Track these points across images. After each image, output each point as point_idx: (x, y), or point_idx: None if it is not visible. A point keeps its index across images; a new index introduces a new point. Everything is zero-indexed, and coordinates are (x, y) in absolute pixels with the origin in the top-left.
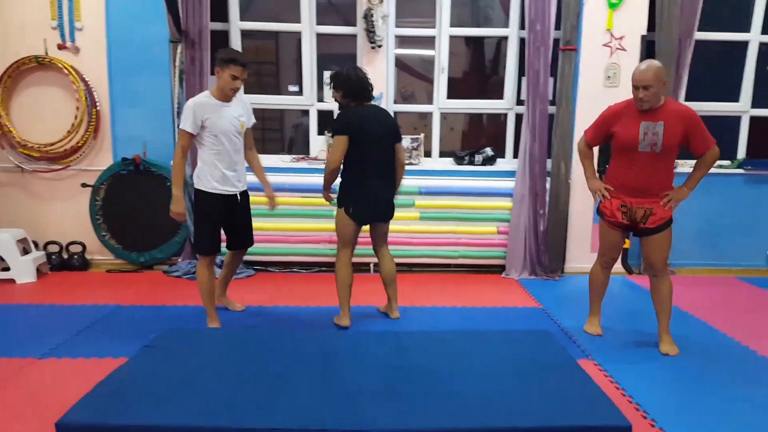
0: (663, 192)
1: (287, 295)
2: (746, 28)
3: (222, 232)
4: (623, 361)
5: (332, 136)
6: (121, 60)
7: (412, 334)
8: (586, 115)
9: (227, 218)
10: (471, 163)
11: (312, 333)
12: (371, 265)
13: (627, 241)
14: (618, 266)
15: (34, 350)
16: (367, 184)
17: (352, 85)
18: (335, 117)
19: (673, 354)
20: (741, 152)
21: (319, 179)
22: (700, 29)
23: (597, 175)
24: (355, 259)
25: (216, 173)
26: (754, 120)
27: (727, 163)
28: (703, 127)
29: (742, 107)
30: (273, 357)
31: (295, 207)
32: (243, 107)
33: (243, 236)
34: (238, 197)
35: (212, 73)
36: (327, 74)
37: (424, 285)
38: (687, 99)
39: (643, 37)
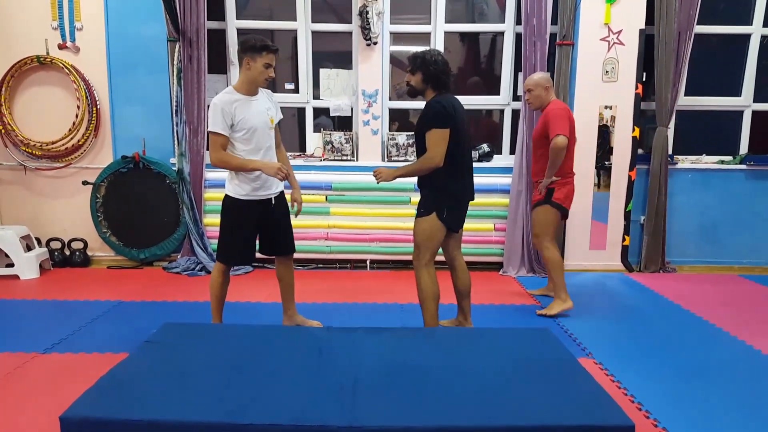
0: (539, 179)
1: None
2: (747, 21)
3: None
4: (624, 359)
5: (428, 130)
6: (120, 59)
7: (410, 330)
8: (584, 109)
9: (262, 225)
10: None
11: (309, 329)
12: (368, 262)
13: (627, 238)
14: (618, 263)
15: (38, 345)
16: (461, 184)
17: (438, 69)
18: (428, 107)
19: (552, 313)
20: (743, 147)
21: (315, 176)
22: (699, 22)
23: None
24: (352, 256)
25: (249, 176)
26: (756, 115)
27: (729, 158)
28: (552, 119)
29: (744, 102)
30: (270, 352)
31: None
32: (270, 100)
33: (281, 242)
34: (273, 201)
35: (209, 71)
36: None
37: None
38: (687, 94)
39: (641, 30)
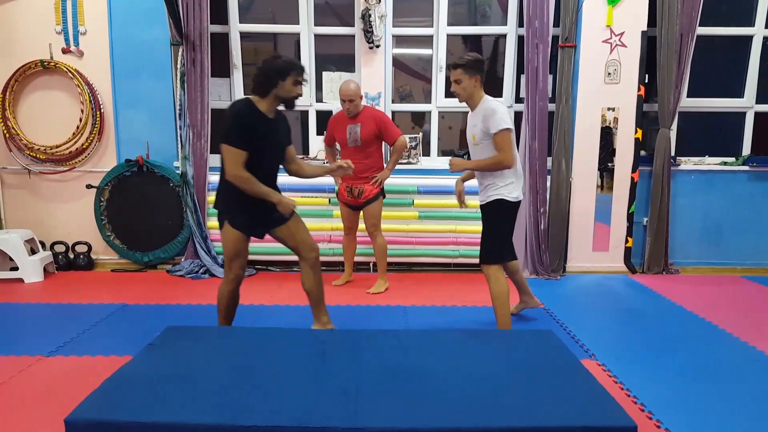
0: (371, 174)
1: (288, 294)
2: (750, 23)
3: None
4: (627, 360)
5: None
6: (123, 63)
7: (412, 332)
8: (586, 111)
9: None
10: None
11: (312, 331)
12: (370, 265)
13: (630, 239)
14: (621, 265)
15: (42, 348)
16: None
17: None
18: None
19: (380, 291)
20: (746, 149)
21: (318, 179)
22: (702, 24)
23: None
24: (355, 258)
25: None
26: (758, 116)
27: (731, 159)
28: (389, 124)
29: (747, 103)
30: (273, 355)
31: None
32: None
33: None
34: None
35: (212, 75)
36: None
37: (424, 284)
38: (690, 95)
39: (643, 32)
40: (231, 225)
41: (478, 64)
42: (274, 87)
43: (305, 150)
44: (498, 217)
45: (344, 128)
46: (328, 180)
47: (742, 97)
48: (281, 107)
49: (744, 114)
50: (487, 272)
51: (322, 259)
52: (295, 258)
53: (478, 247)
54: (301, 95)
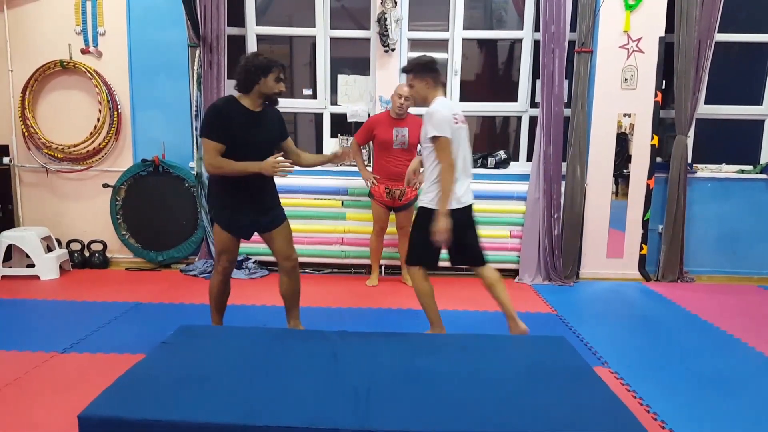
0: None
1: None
2: None
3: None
4: (640, 368)
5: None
6: (141, 64)
7: (425, 336)
8: (602, 117)
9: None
10: (484, 166)
11: (324, 332)
12: (382, 268)
13: (644, 247)
14: (635, 272)
15: (57, 345)
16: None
17: (244, 69)
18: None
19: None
20: (764, 157)
21: (331, 181)
22: (720, 30)
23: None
24: (367, 261)
25: None
26: None
27: (749, 168)
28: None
29: (765, 111)
30: (286, 355)
31: (307, 209)
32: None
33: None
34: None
35: (228, 77)
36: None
37: (437, 288)
38: (708, 102)
39: (661, 38)
40: (216, 223)
41: (427, 66)
42: (256, 83)
43: (319, 152)
44: (423, 222)
45: (390, 129)
46: (341, 182)
47: (761, 105)
48: (267, 103)
49: (762, 121)
50: (410, 272)
51: (335, 261)
52: (306, 260)
53: (491, 253)
54: (284, 91)
